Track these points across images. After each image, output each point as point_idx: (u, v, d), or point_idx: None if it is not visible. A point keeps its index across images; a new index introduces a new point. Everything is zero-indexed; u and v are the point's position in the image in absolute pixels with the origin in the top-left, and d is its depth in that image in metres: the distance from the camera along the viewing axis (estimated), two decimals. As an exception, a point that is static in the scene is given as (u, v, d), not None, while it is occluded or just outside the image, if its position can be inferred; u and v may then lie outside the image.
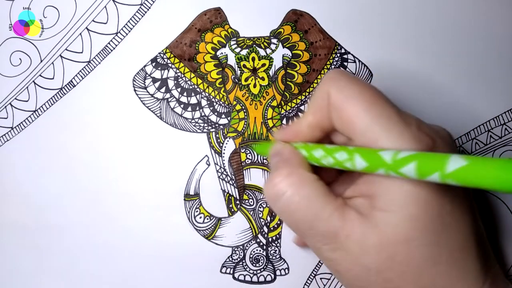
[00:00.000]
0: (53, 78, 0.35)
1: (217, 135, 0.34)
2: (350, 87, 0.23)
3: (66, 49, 0.35)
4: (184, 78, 0.35)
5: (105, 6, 0.34)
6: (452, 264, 0.21)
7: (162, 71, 0.35)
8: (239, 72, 0.34)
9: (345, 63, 0.34)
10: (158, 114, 0.35)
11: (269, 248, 0.35)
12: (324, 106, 0.24)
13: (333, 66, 0.34)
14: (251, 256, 0.35)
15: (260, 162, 0.34)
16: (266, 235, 0.35)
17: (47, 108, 0.35)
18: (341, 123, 0.23)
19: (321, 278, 0.34)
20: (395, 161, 0.20)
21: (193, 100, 0.35)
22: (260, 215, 0.34)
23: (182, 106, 0.35)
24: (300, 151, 0.25)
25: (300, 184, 0.23)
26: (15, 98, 0.35)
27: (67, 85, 0.35)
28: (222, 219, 0.35)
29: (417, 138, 0.21)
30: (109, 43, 0.34)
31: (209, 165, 0.34)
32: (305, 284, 0.34)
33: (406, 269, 0.21)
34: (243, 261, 0.35)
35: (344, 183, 0.26)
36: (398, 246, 0.21)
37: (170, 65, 0.34)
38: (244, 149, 0.34)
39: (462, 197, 0.23)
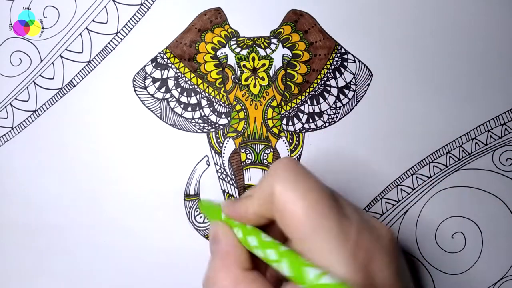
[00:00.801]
0: (53, 78, 0.35)
1: (217, 135, 0.34)
2: (295, 189, 0.23)
3: (66, 49, 0.35)
4: (184, 78, 0.35)
5: (105, 6, 0.34)
6: None
7: (162, 71, 0.35)
8: (239, 72, 0.34)
9: (345, 63, 0.34)
10: (158, 114, 0.35)
11: (269, 248, 0.35)
12: (269, 201, 0.23)
13: (333, 66, 0.34)
14: (251, 256, 0.35)
15: (260, 162, 0.34)
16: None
17: (47, 108, 0.35)
18: (282, 224, 0.23)
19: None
20: (316, 285, 0.20)
21: (193, 100, 0.35)
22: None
23: (182, 106, 0.35)
24: (238, 234, 0.25)
25: (238, 283, 0.23)
26: (15, 98, 0.35)
27: (67, 85, 0.35)
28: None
29: (352, 256, 0.21)
30: (109, 43, 0.34)
31: (209, 165, 0.34)
32: (305, 284, 0.34)
33: None
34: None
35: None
36: None
37: (170, 65, 0.34)
38: (244, 149, 0.34)
39: None
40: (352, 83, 0.34)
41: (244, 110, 0.34)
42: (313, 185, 0.23)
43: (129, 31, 0.34)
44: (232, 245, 0.25)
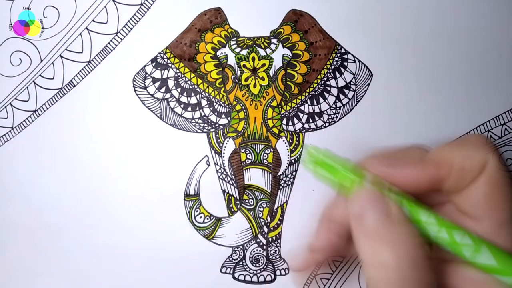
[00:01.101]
0: (53, 78, 0.35)
1: (217, 135, 0.34)
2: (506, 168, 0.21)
3: (66, 49, 0.35)
4: (184, 78, 0.35)
5: (105, 6, 0.34)
6: None
7: (162, 71, 0.35)
8: (239, 72, 0.34)
9: (345, 63, 0.34)
10: (158, 114, 0.35)
11: (269, 248, 0.35)
12: (470, 170, 0.20)
13: (333, 66, 0.34)
14: (251, 256, 0.35)
15: (260, 162, 0.34)
16: (266, 235, 0.35)
17: (47, 108, 0.35)
18: (479, 201, 0.20)
19: (321, 278, 0.34)
20: None
21: (193, 100, 0.35)
22: (260, 215, 0.34)
23: (182, 106, 0.35)
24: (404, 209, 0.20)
25: (410, 268, 0.19)
26: (15, 98, 0.35)
27: (67, 85, 0.35)
28: (222, 219, 0.35)
29: None
30: (109, 43, 0.34)
31: (209, 165, 0.34)
32: (305, 284, 0.34)
33: None
34: (243, 261, 0.35)
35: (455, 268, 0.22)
36: None
37: (170, 65, 0.34)
38: (244, 149, 0.34)
39: None
40: (352, 83, 0.34)
41: (244, 110, 0.34)
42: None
43: (129, 31, 0.34)
44: (405, 221, 0.20)
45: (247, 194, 0.34)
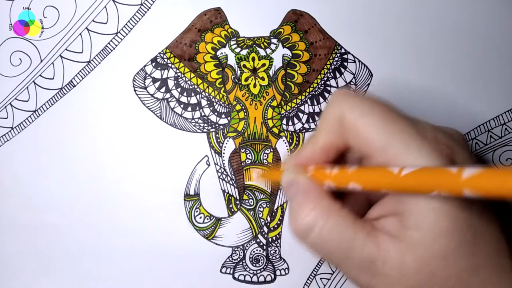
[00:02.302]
0: (53, 78, 0.35)
1: (217, 135, 0.34)
2: (361, 105, 0.23)
3: (66, 49, 0.35)
4: (184, 78, 0.35)
5: (105, 6, 0.34)
6: (491, 268, 0.21)
7: (162, 71, 0.35)
8: (239, 72, 0.34)
9: (345, 63, 0.34)
10: (158, 114, 0.35)
11: (269, 248, 0.35)
12: (337, 126, 0.23)
13: (333, 66, 0.34)
14: (251, 256, 0.35)
15: (260, 162, 0.34)
16: (266, 235, 0.35)
17: (47, 108, 0.35)
18: (357, 142, 0.23)
19: (321, 278, 0.34)
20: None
21: (193, 100, 0.35)
22: (260, 215, 0.34)
23: (182, 106, 0.35)
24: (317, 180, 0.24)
25: (327, 216, 0.22)
26: (15, 98, 0.35)
27: (67, 85, 0.35)
28: (222, 219, 0.35)
29: (435, 150, 0.21)
30: (109, 43, 0.34)
31: (209, 165, 0.34)
32: (305, 284, 0.34)
33: (447, 284, 0.21)
34: (243, 261, 0.35)
35: (367, 204, 0.25)
36: (436, 263, 0.21)
37: (170, 65, 0.34)
38: (244, 149, 0.34)
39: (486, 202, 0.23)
40: (352, 83, 0.34)
41: (244, 110, 0.34)
42: (377, 101, 0.23)
43: (129, 31, 0.34)
44: (311, 183, 0.24)
45: (247, 194, 0.34)
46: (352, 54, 0.34)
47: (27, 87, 0.35)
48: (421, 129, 0.23)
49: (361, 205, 0.26)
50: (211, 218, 0.34)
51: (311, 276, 0.34)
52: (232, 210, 0.35)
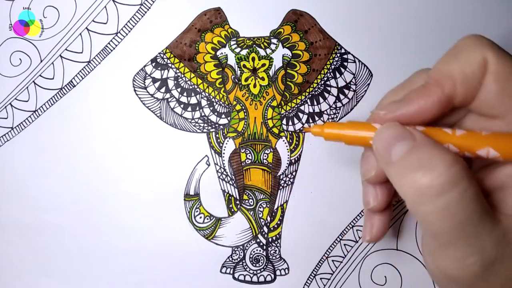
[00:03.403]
0: (53, 78, 0.35)
1: (217, 135, 0.34)
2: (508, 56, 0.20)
3: (66, 49, 0.35)
4: (184, 78, 0.35)
5: (105, 6, 0.34)
6: None
7: (162, 71, 0.35)
8: (239, 72, 0.34)
9: (345, 63, 0.34)
10: (158, 114, 0.35)
11: (269, 248, 0.35)
12: (473, 76, 0.20)
13: (333, 66, 0.34)
14: (251, 256, 0.35)
15: (260, 162, 0.34)
16: (266, 235, 0.35)
17: (47, 108, 0.35)
18: (496, 99, 0.20)
19: (321, 278, 0.34)
20: None
21: (193, 100, 0.35)
22: (260, 215, 0.34)
23: (182, 106, 0.35)
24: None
25: (470, 179, 0.18)
26: (15, 98, 0.35)
27: (67, 85, 0.35)
28: (222, 219, 0.35)
29: None
30: (109, 43, 0.34)
31: (209, 165, 0.34)
32: (305, 284, 0.34)
33: None
34: (243, 261, 0.35)
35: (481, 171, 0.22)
36: None
37: (170, 65, 0.34)
38: (244, 149, 0.34)
39: None
40: (352, 83, 0.34)
41: (244, 110, 0.34)
42: None
43: (129, 31, 0.34)
44: (432, 140, 0.20)
45: (247, 194, 0.34)
46: (352, 54, 0.34)
47: (27, 87, 0.35)
48: None
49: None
50: (211, 218, 0.34)
51: (311, 276, 0.34)
52: (232, 210, 0.35)
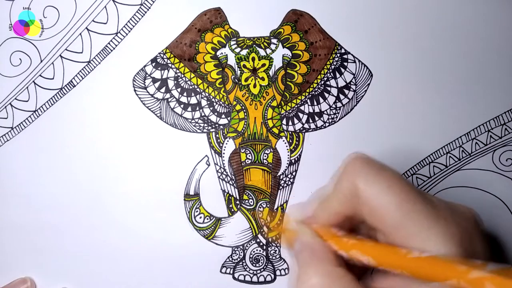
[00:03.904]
0: (53, 78, 0.35)
1: (217, 135, 0.34)
2: (379, 182, 0.23)
3: (66, 49, 0.35)
4: (184, 78, 0.35)
5: (105, 6, 0.34)
6: None
7: (162, 71, 0.35)
8: (239, 72, 0.34)
9: (345, 63, 0.34)
10: (158, 114, 0.35)
11: (269, 248, 0.35)
12: (352, 198, 0.24)
13: (333, 66, 0.34)
14: (251, 256, 0.35)
15: (260, 162, 0.34)
16: (266, 235, 0.35)
17: (47, 108, 0.35)
18: (371, 217, 0.23)
19: (321, 278, 0.34)
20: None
21: (193, 100, 0.35)
22: (260, 215, 0.34)
23: (182, 106, 0.35)
24: (328, 243, 0.24)
25: (329, 283, 0.22)
26: (15, 98, 0.35)
27: (67, 85, 0.35)
28: (222, 219, 0.35)
29: (449, 232, 0.22)
30: (109, 43, 0.34)
31: (209, 165, 0.34)
32: (305, 284, 0.34)
33: None
34: (243, 261, 0.35)
35: (376, 275, 0.25)
36: None
37: (170, 65, 0.34)
38: (244, 149, 0.34)
39: None
40: (352, 83, 0.34)
41: (244, 110, 0.34)
42: (397, 175, 0.24)
43: (129, 31, 0.34)
44: (323, 246, 0.24)
45: (247, 194, 0.34)
46: (352, 54, 0.34)
47: (27, 87, 0.35)
48: (436, 209, 0.23)
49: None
50: (211, 218, 0.34)
51: (311, 276, 0.34)
52: (232, 210, 0.35)
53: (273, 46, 0.34)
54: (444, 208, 0.23)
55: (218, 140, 0.34)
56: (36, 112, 0.35)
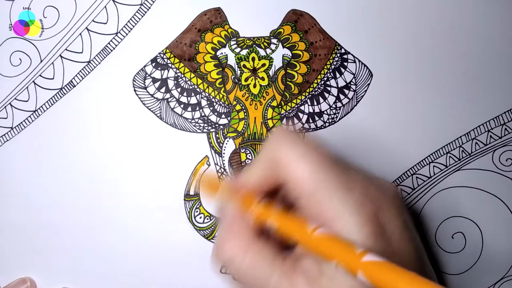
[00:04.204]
0: (53, 78, 0.35)
1: (217, 135, 0.34)
2: (296, 149, 0.23)
3: (66, 49, 0.35)
4: (184, 78, 0.35)
5: (105, 6, 0.34)
6: None
7: (162, 71, 0.35)
8: (239, 72, 0.34)
9: (345, 63, 0.34)
10: (158, 114, 0.35)
11: (269, 248, 0.35)
12: (272, 165, 0.24)
13: (333, 66, 0.34)
14: (251, 256, 0.35)
15: (260, 162, 0.34)
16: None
17: (47, 108, 0.35)
18: (289, 184, 0.24)
19: (321, 278, 0.34)
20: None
21: (193, 100, 0.35)
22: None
23: (182, 106, 0.35)
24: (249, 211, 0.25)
25: (246, 251, 0.23)
26: (15, 98, 0.35)
27: (67, 85, 0.35)
28: (222, 219, 0.35)
29: (360, 205, 0.22)
30: (109, 43, 0.34)
31: (209, 165, 0.34)
32: (305, 284, 0.34)
33: None
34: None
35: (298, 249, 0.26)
36: None
37: (170, 65, 0.34)
38: (244, 149, 0.34)
39: None
40: (352, 83, 0.34)
41: (244, 110, 0.34)
42: (315, 145, 0.24)
43: (129, 31, 0.34)
44: (238, 212, 0.25)
45: (247, 194, 0.34)
46: (352, 54, 0.34)
47: (27, 87, 0.35)
48: (352, 180, 0.23)
49: None
50: (211, 218, 0.34)
51: (311, 276, 0.34)
52: (232, 210, 0.35)
53: (273, 46, 0.34)
54: (361, 180, 0.23)
55: (218, 140, 0.34)
56: (36, 112, 0.35)
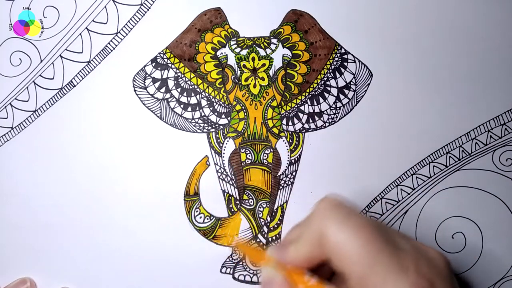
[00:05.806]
0: (53, 78, 0.35)
1: (217, 135, 0.35)
2: (347, 228, 0.23)
3: (66, 49, 0.35)
4: (184, 78, 0.35)
5: (105, 6, 0.34)
6: None
7: (162, 71, 0.35)
8: (239, 72, 0.34)
9: (345, 63, 0.34)
10: (158, 114, 0.35)
11: (269, 248, 0.35)
12: (320, 243, 0.23)
13: (333, 66, 0.34)
14: (251, 256, 0.35)
15: (260, 162, 0.34)
16: (266, 235, 0.35)
17: (47, 108, 0.35)
18: (338, 264, 0.23)
19: (321, 278, 0.34)
20: None
21: (193, 100, 0.35)
22: (260, 215, 0.34)
23: (182, 106, 0.35)
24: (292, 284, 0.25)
25: None
26: (15, 98, 0.35)
27: (67, 85, 0.35)
28: (222, 219, 0.35)
29: (414, 286, 0.22)
30: (109, 43, 0.34)
31: (209, 165, 0.34)
32: (305, 284, 0.34)
33: None
34: (243, 261, 0.35)
35: None
36: None
37: (170, 65, 0.34)
38: (244, 149, 0.34)
39: None
40: (352, 83, 0.34)
41: (244, 110, 0.34)
42: (364, 222, 0.23)
43: (129, 31, 0.34)
44: (285, 284, 0.24)
45: (247, 194, 0.34)
46: (352, 54, 0.34)
47: (27, 87, 0.35)
48: (403, 259, 0.23)
49: None
50: (211, 218, 0.34)
51: (311, 276, 0.34)
52: (232, 210, 0.35)
53: (273, 46, 0.34)
54: (412, 256, 0.23)
55: (218, 140, 0.34)
56: (36, 112, 0.35)
